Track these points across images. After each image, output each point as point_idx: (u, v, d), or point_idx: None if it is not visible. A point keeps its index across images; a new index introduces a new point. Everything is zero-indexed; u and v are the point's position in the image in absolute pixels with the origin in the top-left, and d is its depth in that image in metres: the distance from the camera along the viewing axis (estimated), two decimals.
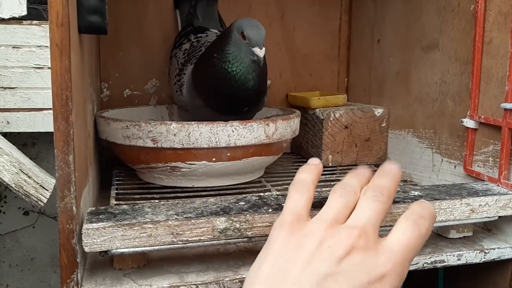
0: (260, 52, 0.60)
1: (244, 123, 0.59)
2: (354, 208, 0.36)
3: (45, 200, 0.74)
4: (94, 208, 0.46)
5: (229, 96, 0.62)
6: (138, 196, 0.60)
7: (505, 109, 0.54)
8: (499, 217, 0.53)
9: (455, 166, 0.64)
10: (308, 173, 0.39)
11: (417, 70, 0.72)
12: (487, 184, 0.56)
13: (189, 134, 0.57)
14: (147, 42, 0.84)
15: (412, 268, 0.51)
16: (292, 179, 0.75)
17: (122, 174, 0.72)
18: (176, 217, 0.44)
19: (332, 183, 0.70)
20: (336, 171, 0.79)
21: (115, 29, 0.80)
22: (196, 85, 0.66)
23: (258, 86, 0.63)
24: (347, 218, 0.35)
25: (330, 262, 0.32)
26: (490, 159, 0.58)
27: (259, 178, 0.70)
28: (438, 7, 0.67)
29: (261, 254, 0.35)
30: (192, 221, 0.44)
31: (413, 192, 0.53)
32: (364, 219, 0.34)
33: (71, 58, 0.40)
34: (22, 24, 0.72)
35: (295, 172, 0.78)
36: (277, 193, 0.62)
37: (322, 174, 0.75)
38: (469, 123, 0.60)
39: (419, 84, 0.72)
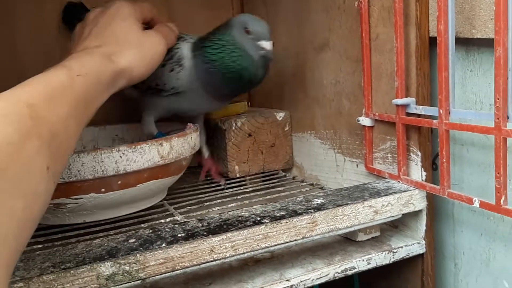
0: (268, 44, 0.59)
1: (133, 146, 0.54)
2: None
3: None
4: None
5: (237, 89, 0.63)
6: None
7: (397, 105, 0.53)
8: (403, 214, 0.53)
9: (357, 165, 0.63)
10: None
11: (311, 72, 0.71)
12: (388, 182, 0.55)
13: (69, 166, 0.51)
14: None
15: (323, 280, 0.49)
16: (198, 197, 0.70)
17: None
18: (53, 269, 0.38)
19: (241, 196, 0.67)
20: (245, 182, 0.76)
21: None
22: (200, 74, 0.63)
23: (264, 76, 0.63)
24: None
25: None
26: (389, 155, 0.57)
27: (161, 202, 0.65)
28: (325, 5, 0.66)
29: None
30: (72, 271, 0.38)
31: (315, 200, 0.51)
32: None
33: None
34: None
35: (202, 189, 0.73)
36: (178, 218, 0.58)
37: (231, 187, 0.72)
38: (365, 121, 0.59)
39: (315, 85, 0.71)
